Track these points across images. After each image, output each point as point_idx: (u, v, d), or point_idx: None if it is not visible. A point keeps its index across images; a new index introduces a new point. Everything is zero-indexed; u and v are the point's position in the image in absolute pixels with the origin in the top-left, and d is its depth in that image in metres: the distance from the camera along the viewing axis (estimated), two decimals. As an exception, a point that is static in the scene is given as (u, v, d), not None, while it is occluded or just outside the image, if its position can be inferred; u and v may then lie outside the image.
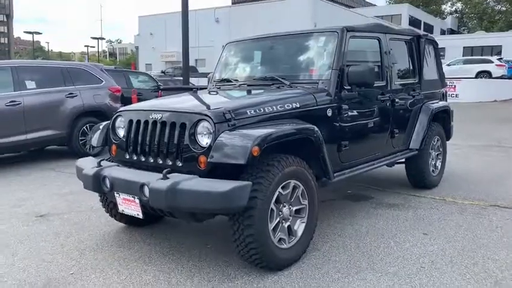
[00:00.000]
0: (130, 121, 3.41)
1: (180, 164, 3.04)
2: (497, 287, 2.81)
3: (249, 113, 3.08)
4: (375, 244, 3.54)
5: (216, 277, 3.01)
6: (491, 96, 20.85)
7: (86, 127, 7.80)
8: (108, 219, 4.24)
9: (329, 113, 3.65)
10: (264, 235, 2.88)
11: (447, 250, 3.40)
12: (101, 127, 3.82)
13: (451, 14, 61.53)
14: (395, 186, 5.37)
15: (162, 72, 28.82)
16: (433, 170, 5.21)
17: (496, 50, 38.18)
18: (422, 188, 5.18)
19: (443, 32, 54.44)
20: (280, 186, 2.97)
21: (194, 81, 17.92)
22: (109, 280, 3.00)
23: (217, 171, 2.94)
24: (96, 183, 3.23)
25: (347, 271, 3.06)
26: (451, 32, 56.31)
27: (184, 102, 3.59)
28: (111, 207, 3.86)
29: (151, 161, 3.22)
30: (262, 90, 3.73)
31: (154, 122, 3.21)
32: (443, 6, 63.17)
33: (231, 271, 3.09)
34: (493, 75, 24.16)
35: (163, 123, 3.15)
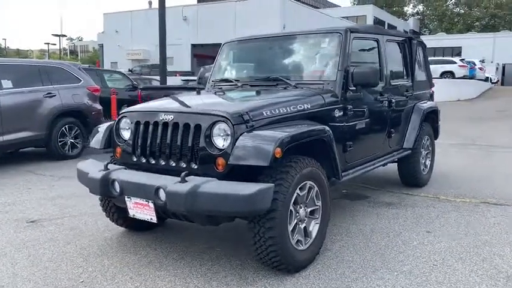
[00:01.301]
0: (137, 123, 3.31)
1: (195, 166, 2.98)
2: (510, 283, 2.90)
3: (265, 114, 3.05)
4: (383, 243, 3.58)
5: (234, 281, 2.96)
6: (455, 96, 21.61)
7: (65, 128, 7.55)
8: (107, 224, 4.12)
9: (336, 113, 3.67)
10: (284, 237, 2.86)
11: (454, 248, 3.48)
12: (99, 129, 3.70)
13: (413, 15, 63.33)
14: (388, 184, 5.46)
15: (130, 70, 28.27)
16: (423, 169, 5.33)
17: (456, 51, 39.60)
18: (413, 186, 5.29)
19: (406, 33, 55.86)
20: (298, 187, 2.96)
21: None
22: (123, 287, 2.90)
23: (233, 173, 2.89)
24: (104, 187, 3.11)
25: (363, 271, 3.08)
26: (414, 33, 57.88)
27: (195, 103, 3.51)
28: (113, 211, 3.74)
29: (163, 163, 3.14)
30: (270, 91, 3.69)
31: (165, 124, 3.12)
32: (406, 8, 64.96)
33: (248, 274, 3.05)
34: (456, 76, 25.08)
35: (175, 125, 3.07)
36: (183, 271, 3.13)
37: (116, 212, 3.73)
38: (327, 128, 3.26)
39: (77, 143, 7.77)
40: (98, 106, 8.20)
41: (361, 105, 3.98)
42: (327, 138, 3.23)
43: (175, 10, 35.47)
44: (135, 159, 3.31)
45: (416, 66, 5.19)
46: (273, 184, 2.72)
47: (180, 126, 3.04)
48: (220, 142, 2.91)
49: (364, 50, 4.28)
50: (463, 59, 27.67)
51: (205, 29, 33.46)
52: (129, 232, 3.94)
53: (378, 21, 49.20)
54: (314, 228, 3.19)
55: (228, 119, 2.87)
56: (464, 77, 25.22)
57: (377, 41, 4.37)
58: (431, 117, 5.46)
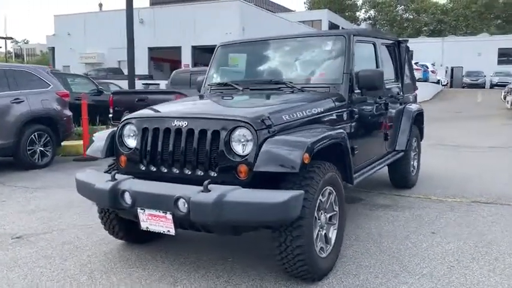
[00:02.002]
0: (145, 129, 3.13)
1: (214, 174, 2.84)
2: (528, 281, 2.96)
3: (284, 119, 2.97)
4: (395, 246, 3.57)
5: (257, 293, 2.85)
6: (412, 98, 22.34)
7: (34, 135, 7.12)
8: (101, 236, 3.89)
9: (344, 116, 3.63)
10: (311, 245, 2.78)
11: (463, 248, 3.52)
12: (99, 136, 3.49)
13: (365, 20, 65.14)
14: (378, 186, 5.51)
15: (85, 74, 27.29)
16: (412, 170, 5.42)
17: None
18: (403, 187, 5.37)
19: (359, 37, 57.36)
20: (321, 193, 2.89)
21: (122, 84, 16.94)
22: (141, 306, 2.72)
23: (254, 180, 2.78)
24: (113, 199, 2.91)
25: (385, 276, 3.05)
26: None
27: (208, 108, 3.37)
28: (114, 224, 3.52)
29: (176, 172, 2.98)
30: (279, 95, 3.60)
31: (178, 130, 2.97)
32: (358, 13, 66.76)
33: (269, 285, 2.94)
34: (411, 78, 25.95)
35: (190, 131, 2.92)
36: (200, 285, 2.97)
37: (118, 224, 3.51)
38: (344, 131, 3.22)
39: (47, 151, 7.34)
40: (68, 112, 7.80)
41: (364, 108, 3.97)
42: (344, 142, 3.19)
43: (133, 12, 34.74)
44: (143, 168, 3.13)
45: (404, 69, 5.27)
46: (303, 191, 2.63)
47: (195, 133, 2.90)
48: (242, 148, 2.79)
49: (363, 53, 4.28)
50: (417, 63, 28.71)
51: (162, 32, 32.86)
52: (128, 245, 3.72)
53: (333, 26, 50.23)
54: (333, 234, 3.13)
55: (250, 124, 2.76)
56: (418, 80, 26.16)
57: (374, 44, 4.39)
58: (418, 119, 5.56)
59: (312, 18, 47.91)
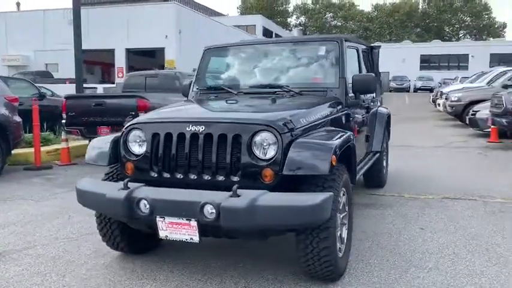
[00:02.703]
0: (155, 135, 3.02)
1: (237, 179, 2.81)
2: (522, 268, 3.22)
3: (302, 122, 3.00)
4: (393, 243, 3.73)
5: (282, 296, 2.85)
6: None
7: (-18, 144, 6.55)
8: (92, 248, 3.73)
9: (343, 119, 3.74)
10: (336, 246, 2.84)
11: (455, 241, 3.76)
12: (100, 142, 3.32)
13: (296, 26, 66.97)
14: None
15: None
16: (383, 170, 5.67)
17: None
18: (375, 187, 5.60)
19: (291, 43, 58.86)
20: (341, 194, 2.96)
21: (51, 87, 15.97)
22: (168, 318, 2.62)
23: (279, 184, 2.79)
24: (128, 208, 2.77)
25: (397, 272, 3.17)
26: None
27: (224, 111, 3.31)
28: (116, 234, 3.35)
29: (194, 178, 2.91)
30: (283, 99, 3.62)
31: (195, 135, 2.89)
32: (289, 19, 68.49)
33: (289, 287, 2.95)
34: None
35: (208, 136, 2.86)
36: (221, 292, 2.92)
37: (120, 234, 3.35)
38: (351, 134, 3.32)
39: (-4, 160, 6.79)
40: (18, 118, 7.27)
41: (356, 111, 4.11)
42: (353, 144, 3.28)
43: (60, 12, 33.01)
44: (154, 175, 3.01)
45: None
46: (332, 193, 2.67)
47: (214, 138, 2.85)
48: (265, 152, 2.78)
49: (349, 58, 4.42)
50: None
51: (94, 33, 31.52)
52: (126, 256, 3.56)
53: (266, 31, 51.11)
54: (345, 234, 3.21)
55: (274, 128, 2.76)
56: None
57: (357, 49, 4.56)
58: (387, 122, 5.83)
59: (247, 23, 48.42)
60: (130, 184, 2.88)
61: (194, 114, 3.17)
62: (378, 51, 5.43)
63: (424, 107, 22.17)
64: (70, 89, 18.36)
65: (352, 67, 4.37)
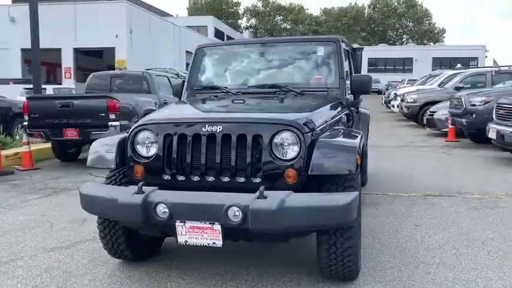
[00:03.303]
0: (167, 136, 2.89)
1: (258, 181, 2.74)
2: (521, 260, 3.38)
3: (319, 122, 2.99)
4: (394, 241, 3.79)
5: (304, 298, 2.81)
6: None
7: None
8: (89, 258, 3.54)
9: (345, 119, 3.77)
10: (358, 246, 2.83)
11: (451, 237, 3.88)
12: (104, 145, 3.14)
13: (247, 28, 67.25)
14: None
15: None
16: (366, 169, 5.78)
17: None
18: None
19: (242, 45, 59.05)
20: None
21: None
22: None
23: (301, 184, 2.75)
24: (145, 213, 2.63)
25: (409, 269, 3.22)
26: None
27: (239, 111, 3.21)
28: (120, 241, 3.17)
29: (211, 180, 2.81)
30: (292, 99, 3.58)
31: (211, 136, 2.80)
32: (240, 21, 68.66)
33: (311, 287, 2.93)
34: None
35: (226, 137, 2.78)
36: (240, 297, 2.84)
37: (124, 241, 3.18)
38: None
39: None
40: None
41: (352, 111, 4.16)
42: (364, 145, 3.30)
43: (0, 10, 31.22)
44: (167, 178, 2.89)
45: (358, 74, 5.62)
46: (357, 192, 2.67)
47: (233, 138, 2.76)
48: (287, 152, 2.74)
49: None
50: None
51: (40, 32, 30.05)
52: (128, 264, 3.39)
53: (218, 32, 50.93)
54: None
55: (296, 128, 2.72)
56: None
57: (347, 51, 4.61)
58: (368, 122, 5.96)
59: (198, 24, 48.02)
60: (144, 188, 2.74)
61: (209, 114, 3.06)
62: (361, 53, 5.52)
63: (377, 108, 22.88)
64: (15, 91, 17.40)
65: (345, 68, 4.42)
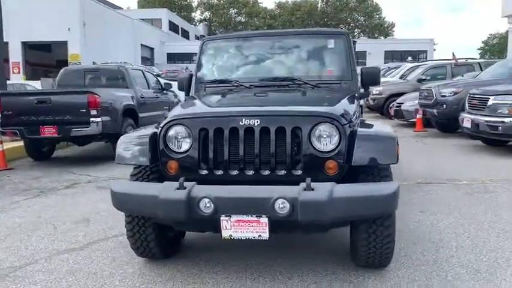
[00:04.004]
0: (202, 130, 2.84)
1: (300, 173, 2.76)
2: (529, 240, 3.61)
3: (351, 114, 3.03)
4: (405, 228, 3.92)
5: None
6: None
7: None
8: (109, 258, 3.45)
9: (359, 111, 3.84)
10: (395, 234, 2.91)
11: (459, 221, 4.05)
12: (134, 140, 3.05)
13: (200, 21, 66.52)
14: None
15: None
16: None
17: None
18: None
19: (197, 38, 58.42)
20: (389, 183, 3.05)
21: None
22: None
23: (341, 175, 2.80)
24: (189, 208, 2.59)
25: (430, 253, 3.35)
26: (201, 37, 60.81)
27: (273, 105, 3.20)
28: (150, 239, 3.10)
29: (251, 174, 2.80)
30: (312, 91, 3.61)
31: (249, 129, 2.78)
32: (194, 14, 67.80)
33: (343, 277, 2.99)
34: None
35: (264, 130, 2.77)
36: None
37: (155, 239, 3.10)
38: None
39: None
40: None
41: (361, 103, 4.25)
42: None
43: None
44: (204, 173, 2.84)
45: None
46: (397, 182, 2.75)
47: (271, 131, 2.76)
48: (326, 144, 2.77)
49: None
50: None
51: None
52: (152, 262, 3.32)
53: (172, 25, 50.12)
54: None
55: (335, 119, 2.76)
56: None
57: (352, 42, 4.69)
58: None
59: (152, 16, 47.00)
60: (185, 183, 2.68)
61: (245, 107, 3.02)
62: (354, 47, 5.64)
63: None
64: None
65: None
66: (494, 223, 4.00)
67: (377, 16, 66.36)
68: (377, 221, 2.80)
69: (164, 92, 10.13)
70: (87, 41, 30.01)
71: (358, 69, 4.01)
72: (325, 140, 2.77)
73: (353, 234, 2.98)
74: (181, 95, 11.42)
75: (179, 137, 2.90)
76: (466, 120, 7.72)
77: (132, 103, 8.20)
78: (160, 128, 2.93)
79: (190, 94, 4.11)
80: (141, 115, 8.51)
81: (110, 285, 2.97)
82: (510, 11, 19.71)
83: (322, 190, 2.52)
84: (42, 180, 6.32)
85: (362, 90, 4.05)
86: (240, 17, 66.47)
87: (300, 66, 4.08)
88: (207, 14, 67.57)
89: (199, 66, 4.18)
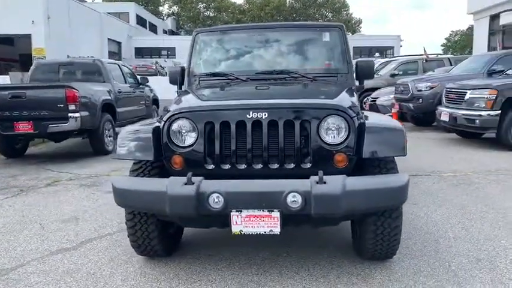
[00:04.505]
0: (208, 124, 2.77)
1: (309, 166, 2.73)
2: (520, 229, 3.71)
3: (357, 106, 3.02)
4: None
5: (353, 278, 2.87)
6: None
7: None
8: (106, 257, 3.32)
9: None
10: (402, 225, 2.93)
11: (452, 213, 4.12)
12: (135, 134, 2.94)
13: (169, 15, 65.53)
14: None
15: None
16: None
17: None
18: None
19: (165, 32, 57.56)
20: (394, 175, 3.06)
21: None
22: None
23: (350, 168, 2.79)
24: (199, 203, 2.52)
25: (429, 244, 3.40)
26: (172, 32, 60.04)
27: (279, 97, 3.13)
28: (153, 236, 3.00)
29: (259, 167, 2.75)
30: (313, 84, 3.57)
31: (257, 122, 2.73)
32: (161, 8, 66.72)
33: (350, 270, 2.99)
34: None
35: (272, 123, 2.72)
36: (289, 282, 2.82)
37: (157, 236, 3.01)
38: None
39: None
40: None
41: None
42: None
43: None
44: (210, 168, 2.77)
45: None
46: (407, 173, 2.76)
47: (280, 124, 2.72)
48: (335, 137, 2.74)
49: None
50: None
51: None
52: (153, 260, 3.23)
53: (140, 19, 49.16)
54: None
55: (344, 112, 2.74)
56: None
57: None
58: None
59: (120, 10, 45.90)
60: (194, 178, 2.61)
61: (252, 100, 2.95)
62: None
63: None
64: None
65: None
66: (486, 213, 4.10)
67: (345, 12, 67.13)
68: (385, 213, 2.80)
69: (141, 86, 9.90)
70: (52, 35, 29.02)
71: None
72: (334, 132, 2.74)
73: (359, 227, 2.98)
74: (159, 89, 11.20)
75: (183, 131, 2.82)
76: (444, 113, 7.90)
77: (110, 98, 7.97)
78: (163, 122, 2.84)
79: (184, 88, 4.01)
80: (118, 110, 8.29)
81: (111, 285, 2.86)
82: (475, 8, 20.32)
83: (335, 183, 2.50)
84: (20, 178, 6.06)
85: (357, 83, 4.05)
86: (208, 12, 65.86)
87: (296, 60, 4.03)
88: (175, 8, 66.61)
89: (191, 59, 4.07)
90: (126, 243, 3.50)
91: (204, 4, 65.73)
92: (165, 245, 3.12)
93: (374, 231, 2.85)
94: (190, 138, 2.80)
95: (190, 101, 3.15)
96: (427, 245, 3.39)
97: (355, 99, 3.25)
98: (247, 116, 2.73)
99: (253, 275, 2.95)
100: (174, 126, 2.82)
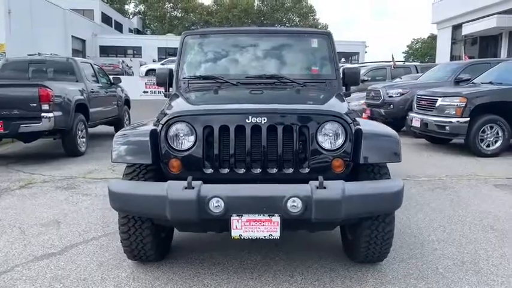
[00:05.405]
0: (207, 128, 2.76)
1: (306, 171, 2.76)
2: None
3: (352, 112, 3.08)
4: (398, 222, 4.00)
5: (347, 282, 2.93)
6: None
7: None
8: (95, 262, 3.24)
9: (349, 110, 3.92)
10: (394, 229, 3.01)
11: (432, 216, 4.27)
12: (132, 137, 2.90)
13: (135, 14, 64.44)
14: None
15: None
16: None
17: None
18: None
19: (131, 31, 56.57)
20: (385, 180, 3.14)
21: None
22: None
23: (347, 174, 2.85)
24: (200, 208, 2.51)
25: (416, 247, 3.51)
26: (138, 32, 59.07)
27: (278, 103, 3.14)
28: (146, 241, 2.96)
29: (257, 172, 2.76)
30: (306, 90, 3.60)
31: (256, 127, 2.74)
32: (127, 6, 65.54)
33: (342, 272, 3.04)
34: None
35: (271, 128, 2.75)
36: (287, 286, 2.85)
37: (151, 241, 2.97)
38: None
39: None
40: None
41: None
42: None
43: None
44: (209, 172, 2.76)
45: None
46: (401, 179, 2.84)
47: (278, 129, 2.75)
48: (333, 142, 2.79)
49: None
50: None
51: None
52: (145, 265, 3.17)
53: (106, 17, 48.12)
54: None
55: (342, 118, 2.80)
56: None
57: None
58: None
59: (83, 7, 44.72)
60: (194, 183, 2.59)
61: (251, 105, 2.95)
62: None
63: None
64: None
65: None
66: (464, 217, 4.26)
67: (311, 18, 68.04)
68: (379, 217, 2.88)
69: (113, 86, 9.70)
70: (13, 31, 27.98)
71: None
72: (332, 138, 2.79)
73: (352, 231, 3.04)
74: (127, 89, 10.93)
75: (181, 135, 2.80)
76: (415, 120, 8.15)
77: (83, 98, 7.76)
78: (161, 125, 2.81)
79: (172, 90, 3.96)
80: (91, 110, 8.09)
81: (106, 291, 2.80)
82: (439, 18, 21.10)
83: (334, 188, 2.54)
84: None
85: (343, 89, 4.13)
86: (176, 12, 65.20)
87: (285, 65, 4.07)
88: (141, 7, 65.56)
89: (180, 62, 4.03)
90: (113, 248, 3.45)
91: (172, 4, 65.01)
92: (158, 250, 3.08)
93: (368, 235, 2.91)
94: (188, 142, 2.78)
95: (187, 104, 3.13)
96: (413, 248, 3.50)
97: (346, 105, 3.32)
98: (247, 120, 2.74)
99: (248, 279, 2.96)
100: (172, 130, 2.79)
